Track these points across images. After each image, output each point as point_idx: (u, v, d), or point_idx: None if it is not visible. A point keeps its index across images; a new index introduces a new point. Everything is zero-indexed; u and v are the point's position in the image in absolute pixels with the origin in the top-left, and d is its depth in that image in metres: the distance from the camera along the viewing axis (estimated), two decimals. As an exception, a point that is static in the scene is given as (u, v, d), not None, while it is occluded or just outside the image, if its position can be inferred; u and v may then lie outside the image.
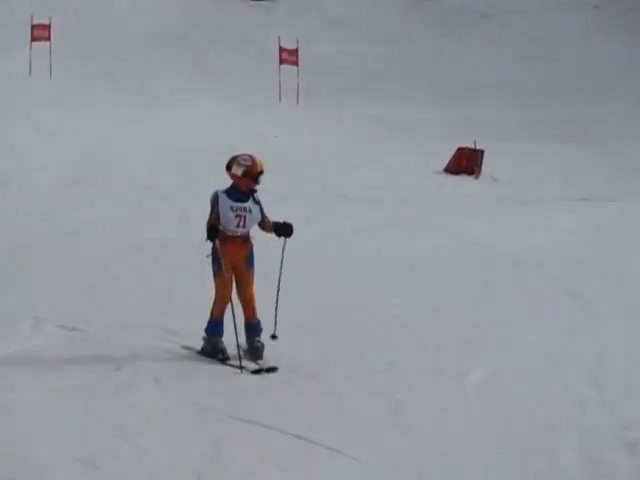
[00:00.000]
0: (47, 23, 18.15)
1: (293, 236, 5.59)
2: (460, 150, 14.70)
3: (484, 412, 4.42)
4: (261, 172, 5.55)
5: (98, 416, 4.15)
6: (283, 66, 18.91)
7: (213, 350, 5.54)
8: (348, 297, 6.81)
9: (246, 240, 5.66)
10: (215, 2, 23.75)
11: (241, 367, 5.25)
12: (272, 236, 5.68)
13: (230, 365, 5.26)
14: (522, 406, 4.53)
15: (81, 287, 6.93)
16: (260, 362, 5.40)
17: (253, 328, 5.66)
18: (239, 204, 5.55)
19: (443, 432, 4.14)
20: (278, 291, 5.69)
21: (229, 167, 5.61)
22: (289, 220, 6.01)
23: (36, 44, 17.70)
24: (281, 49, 18.92)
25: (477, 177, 14.62)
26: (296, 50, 18.98)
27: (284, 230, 5.67)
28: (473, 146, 14.66)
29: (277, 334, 5.55)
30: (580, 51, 22.37)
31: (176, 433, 3.96)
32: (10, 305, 6.48)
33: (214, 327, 5.62)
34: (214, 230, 5.47)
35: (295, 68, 18.86)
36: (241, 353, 5.49)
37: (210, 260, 5.62)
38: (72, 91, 16.64)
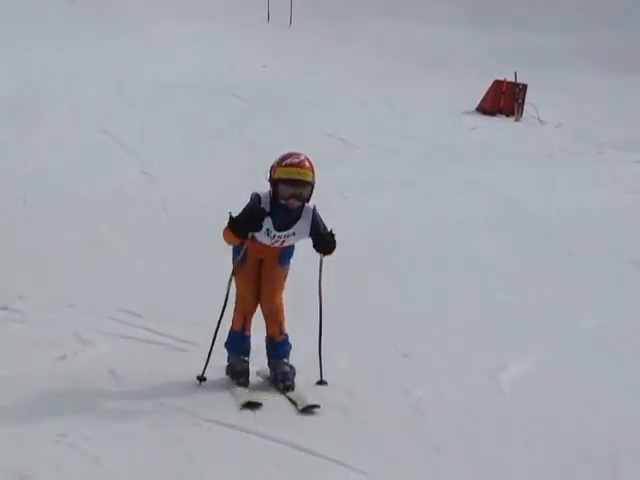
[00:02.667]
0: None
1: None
2: (497, 84, 16.54)
3: (525, 416, 4.68)
4: (298, 181, 4.93)
5: (36, 417, 4.29)
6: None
7: (231, 371, 5.25)
8: (354, 274, 7.18)
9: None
10: None
11: (250, 404, 4.83)
12: None
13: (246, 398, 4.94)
14: (573, 408, 4.77)
15: (15, 255, 7.27)
16: (292, 395, 5.06)
17: (279, 347, 5.36)
18: (280, 232, 5.10)
19: (473, 441, 4.35)
20: (320, 325, 5.29)
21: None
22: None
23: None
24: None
25: (518, 119, 16.38)
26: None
27: (320, 242, 5.14)
28: (513, 79, 16.57)
29: (325, 378, 5.23)
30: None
31: (138, 441, 4.13)
32: None
33: (233, 341, 5.35)
34: (254, 210, 4.89)
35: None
36: (262, 379, 5.27)
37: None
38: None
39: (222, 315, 5.18)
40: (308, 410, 4.93)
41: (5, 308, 6.50)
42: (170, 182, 9.96)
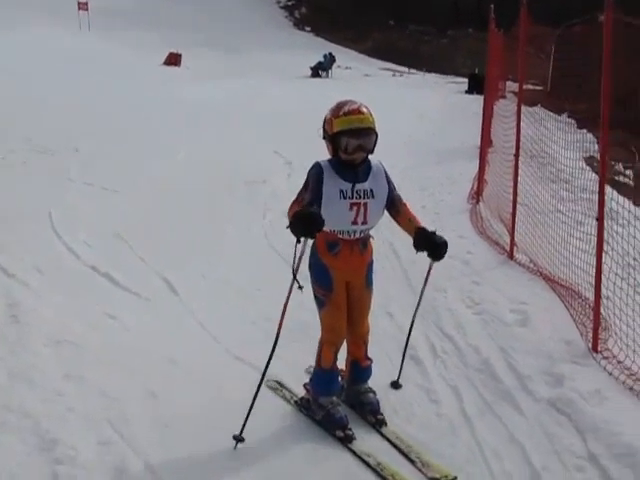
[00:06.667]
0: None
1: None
2: (170, 53, 27.81)
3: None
4: (363, 130, 3.58)
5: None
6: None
7: (328, 420, 3.91)
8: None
9: (366, 243, 3.88)
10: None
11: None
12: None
13: (356, 454, 3.74)
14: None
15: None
16: (380, 417, 4.01)
17: (364, 372, 4.13)
18: (355, 185, 3.63)
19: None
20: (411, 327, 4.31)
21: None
22: None
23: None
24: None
25: (179, 66, 27.03)
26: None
27: (433, 247, 3.74)
28: (177, 51, 27.79)
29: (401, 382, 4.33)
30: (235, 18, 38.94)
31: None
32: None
33: (323, 380, 3.98)
34: (309, 217, 3.33)
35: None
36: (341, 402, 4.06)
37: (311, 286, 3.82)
38: None
39: (273, 350, 3.68)
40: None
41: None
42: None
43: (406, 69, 33.13)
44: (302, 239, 3.40)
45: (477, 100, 14.00)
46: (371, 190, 3.69)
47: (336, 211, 3.60)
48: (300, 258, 3.52)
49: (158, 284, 6.20)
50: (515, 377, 4.63)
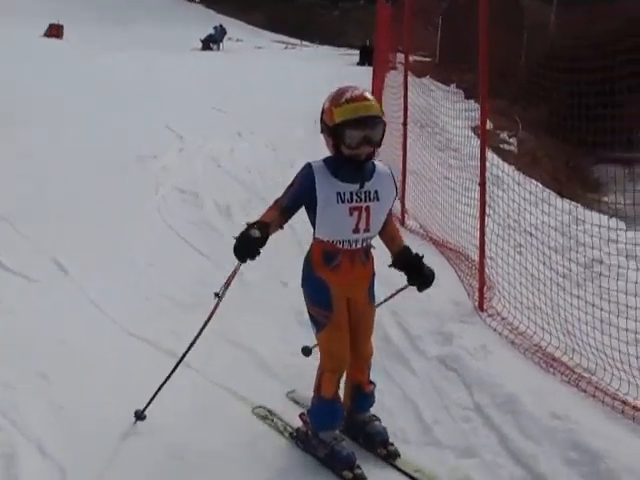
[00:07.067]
0: None
1: None
2: (52, 25, 27.15)
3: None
4: (370, 118, 3.07)
5: None
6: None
7: (333, 458, 3.40)
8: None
9: (368, 253, 3.40)
10: None
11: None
12: None
13: None
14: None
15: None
16: (392, 448, 3.52)
17: (368, 399, 3.65)
18: (356, 187, 3.16)
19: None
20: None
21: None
22: None
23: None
24: None
25: (62, 38, 26.32)
26: None
27: (419, 274, 3.42)
28: (58, 22, 27.03)
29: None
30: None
31: None
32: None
33: (324, 412, 3.46)
34: (247, 243, 2.99)
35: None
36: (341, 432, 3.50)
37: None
38: None
39: (197, 337, 3.52)
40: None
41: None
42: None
43: (298, 41, 33.17)
44: (249, 257, 3.07)
45: (368, 72, 14.26)
46: (376, 192, 3.22)
47: (334, 218, 3.15)
48: (235, 272, 3.31)
49: (47, 265, 6.03)
50: (406, 338, 4.82)
